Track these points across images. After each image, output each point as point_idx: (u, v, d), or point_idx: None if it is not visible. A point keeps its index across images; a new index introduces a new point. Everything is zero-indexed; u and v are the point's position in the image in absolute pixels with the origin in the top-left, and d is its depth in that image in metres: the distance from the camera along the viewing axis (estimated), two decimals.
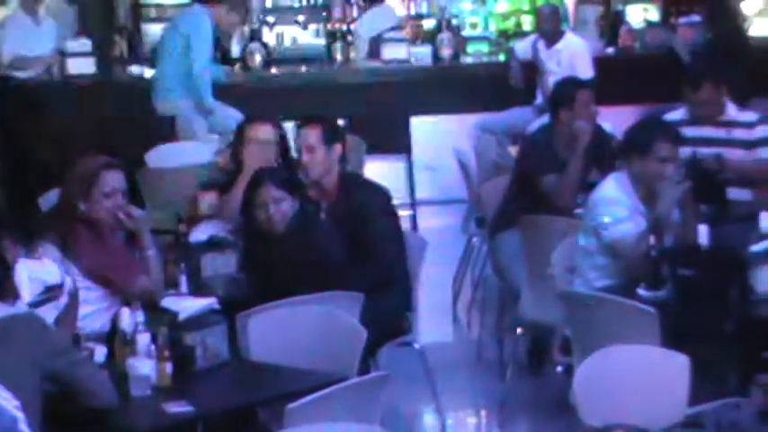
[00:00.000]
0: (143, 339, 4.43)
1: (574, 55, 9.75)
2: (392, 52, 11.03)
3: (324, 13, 12.15)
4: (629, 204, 5.60)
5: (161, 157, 8.48)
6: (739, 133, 6.82)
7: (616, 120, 7.56)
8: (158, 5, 12.23)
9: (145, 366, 4.36)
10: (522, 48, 10.24)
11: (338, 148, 5.93)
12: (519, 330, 6.55)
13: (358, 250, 5.64)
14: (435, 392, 6.05)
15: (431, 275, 7.07)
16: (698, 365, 4.31)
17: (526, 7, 12.26)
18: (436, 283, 8.01)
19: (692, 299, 5.06)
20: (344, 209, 5.80)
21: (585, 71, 9.54)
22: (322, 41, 11.89)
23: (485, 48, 11.73)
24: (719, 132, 6.80)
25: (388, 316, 5.71)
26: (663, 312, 4.84)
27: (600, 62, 10.34)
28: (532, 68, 10.07)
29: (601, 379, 4.24)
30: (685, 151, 6.19)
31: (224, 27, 9.69)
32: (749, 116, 6.96)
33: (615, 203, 5.60)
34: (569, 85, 7.19)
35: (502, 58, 11.43)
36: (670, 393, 4.28)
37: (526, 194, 6.80)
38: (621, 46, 11.31)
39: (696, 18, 11.12)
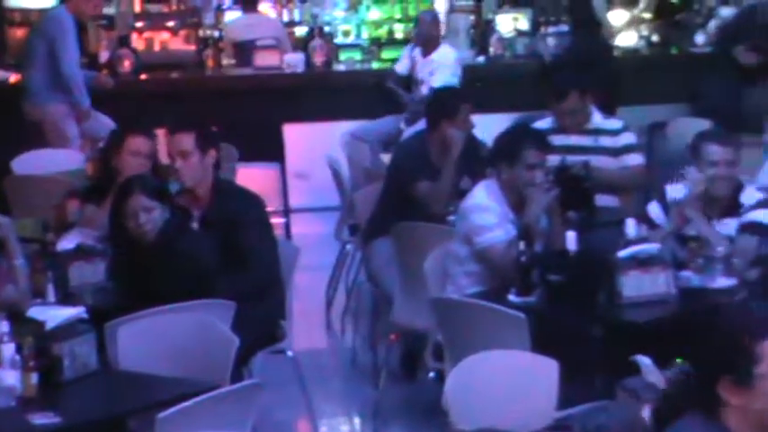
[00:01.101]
0: (7, 349, 4.34)
1: (442, 65, 9.85)
2: (264, 59, 10.99)
3: (195, 19, 12.04)
4: (499, 212, 5.66)
5: (28, 163, 8.33)
6: (605, 141, 6.95)
7: (487, 127, 7.64)
8: (22, 10, 11.99)
9: (9, 377, 4.28)
10: (401, 65, 10.28)
11: (212, 154, 5.88)
12: (392, 337, 6.58)
13: (231, 258, 5.60)
14: (309, 399, 6.04)
15: (304, 283, 7.09)
16: (567, 369, 4.37)
17: (398, 15, 12.31)
18: (310, 291, 8.02)
19: (560, 304, 5.13)
20: (218, 216, 5.76)
21: (439, 82, 9.65)
22: (193, 48, 11.80)
23: (357, 55, 11.76)
24: (586, 140, 6.93)
25: (261, 324, 5.69)
26: (532, 317, 4.90)
27: (470, 70, 10.45)
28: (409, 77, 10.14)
29: (472, 384, 4.27)
30: (554, 159, 6.29)
31: (84, 18, 9.58)
32: (614, 124, 7.10)
33: (485, 211, 5.65)
34: (453, 97, 7.20)
35: (375, 65, 11.48)
36: (539, 397, 4.33)
37: (399, 201, 6.83)
38: (492, 54, 11.44)
39: (564, 28, 11.32)
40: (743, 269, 5.27)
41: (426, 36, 10.08)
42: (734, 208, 5.60)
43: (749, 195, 5.64)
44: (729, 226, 5.55)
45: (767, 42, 9.85)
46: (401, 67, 10.22)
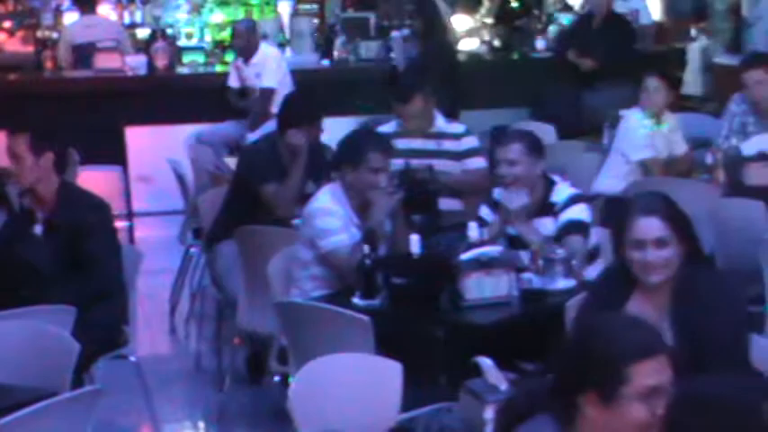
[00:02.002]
0: None
1: (265, 64, 9.90)
2: (105, 61, 10.85)
3: (33, 20, 11.82)
4: (343, 215, 5.68)
5: None
6: (448, 145, 7.02)
7: (332, 131, 7.66)
8: None
9: None
10: (231, 78, 10.26)
11: (49, 156, 5.77)
12: (237, 341, 6.55)
13: (74, 263, 5.52)
14: (152, 405, 5.98)
15: (148, 287, 7.02)
16: (411, 372, 4.40)
17: (241, 17, 12.27)
18: (154, 295, 7.95)
19: (404, 306, 5.17)
20: (62, 220, 5.66)
21: (268, 81, 9.68)
22: (31, 49, 11.57)
23: (200, 58, 11.69)
24: (430, 144, 6.99)
25: (104, 329, 5.61)
26: (376, 320, 4.93)
27: (315, 74, 10.48)
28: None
29: (316, 387, 4.28)
30: (398, 163, 6.34)
31: None
32: (457, 128, 7.18)
33: (329, 214, 5.66)
34: (308, 105, 7.18)
35: (218, 68, 11.42)
36: (383, 400, 4.36)
37: (244, 204, 6.80)
38: (336, 58, 11.48)
39: (407, 32, 11.41)
40: (579, 269, 5.39)
41: (244, 46, 10.12)
42: (548, 207, 5.69)
43: (561, 192, 5.74)
44: (546, 225, 5.65)
45: (602, 48, 10.07)
46: (232, 81, 10.22)
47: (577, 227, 5.58)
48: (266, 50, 10.18)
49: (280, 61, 10.13)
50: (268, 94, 9.81)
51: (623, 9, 11.28)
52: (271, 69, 9.91)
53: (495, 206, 5.81)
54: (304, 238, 5.76)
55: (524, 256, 5.45)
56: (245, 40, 10.13)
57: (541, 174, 5.73)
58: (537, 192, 5.69)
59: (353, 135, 6.09)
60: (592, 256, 5.58)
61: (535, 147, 5.72)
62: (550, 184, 5.75)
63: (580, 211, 5.64)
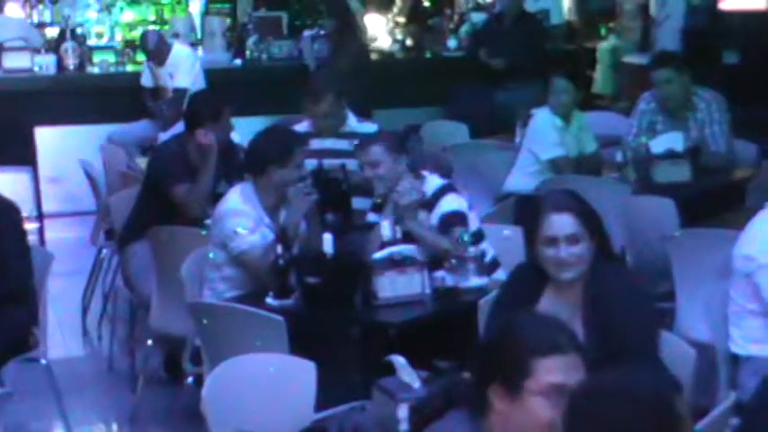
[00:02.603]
0: None
1: (178, 65, 9.86)
2: (13, 61, 10.71)
3: None
4: (255, 215, 5.66)
5: None
6: None
7: (244, 131, 7.63)
8: None
9: None
10: (145, 78, 10.20)
11: None
12: (150, 342, 6.51)
13: None
14: (62, 408, 5.91)
15: (59, 289, 6.94)
16: (325, 371, 4.41)
17: (153, 17, 12.19)
18: (65, 297, 7.87)
19: (318, 306, 5.17)
20: None
21: (181, 81, 9.64)
22: None
23: (111, 58, 11.58)
24: (342, 144, 6.99)
25: (13, 332, 5.54)
26: (290, 320, 4.92)
27: (227, 74, 10.44)
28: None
29: (229, 388, 4.26)
30: (310, 163, 6.34)
31: None
32: (369, 127, 7.17)
33: (240, 215, 5.64)
34: (213, 101, 7.13)
35: (129, 68, 11.33)
36: (297, 399, 4.35)
37: (156, 205, 6.74)
38: (248, 57, 11.45)
39: (321, 31, 11.42)
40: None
41: (155, 53, 10.07)
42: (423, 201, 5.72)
43: (430, 184, 5.76)
44: (424, 218, 5.68)
45: (513, 47, 10.15)
46: (145, 80, 10.16)
47: (455, 218, 5.61)
48: (179, 50, 10.14)
49: (193, 61, 10.10)
50: (181, 93, 9.76)
51: (534, 8, 11.37)
52: (184, 69, 9.87)
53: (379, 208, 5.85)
54: (215, 239, 5.73)
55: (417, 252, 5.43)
56: (155, 49, 10.08)
57: (409, 170, 5.76)
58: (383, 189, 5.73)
59: (277, 133, 6.04)
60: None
61: (394, 146, 5.78)
62: (421, 179, 5.79)
63: (452, 201, 5.66)
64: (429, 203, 5.66)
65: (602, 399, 2.59)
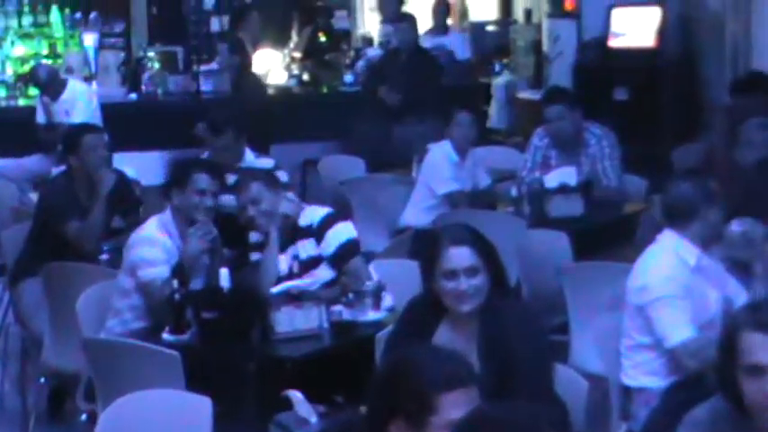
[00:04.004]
0: None
1: (73, 102, 9.75)
2: None
3: None
4: (169, 247, 5.63)
5: None
6: None
7: (140, 165, 7.60)
8: None
9: None
10: (39, 115, 10.06)
11: None
12: (42, 380, 6.42)
13: None
14: None
15: None
16: (222, 406, 4.38)
17: (45, 51, 12.05)
18: None
19: (215, 341, 5.14)
20: None
21: (78, 117, 9.54)
22: None
23: (2, 92, 11.42)
24: None
25: None
26: (186, 355, 4.89)
27: (122, 108, 10.35)
28: None
29: (124, 425, 4.22)
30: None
31: None
32: (266, 162, 7.20)
33: (152, 244, 5.61)
34: (74, 131, 7.11)
35: (22, 102, 11.18)
36: None
37: (48, 241, 6.67)
38: (144, 92, 11.38)
39: (215, 66, 11.40)
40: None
41: (48, 86, 9.95)
42: (301, 231, 5.71)
43: (309, 214, 5.78)
44: (306, 247, 5.67)
45: (409, 82, 10.22)
46: (39, 117, 10.02)
47: (351, 246, 5.64)
48: (75, 86, 10.00)
49: (90, 97, 9.95)
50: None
51: (429, 45, 11.47)
52: (80, 107, 9.72)
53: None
54: (125, 266, 5.68)
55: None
56: (47, 82, 9.94)
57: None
58: (286, 220, 5.74)
59: (178, 160, 6.06)
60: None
61: (273, 182, 5.79)
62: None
63: (344, 230, 5.68)
64: (316, 233, 5.67)
65: (482, 429, 2.61)
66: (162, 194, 5.89)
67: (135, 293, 5.64)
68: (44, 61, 11.42)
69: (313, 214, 5.75)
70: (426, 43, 11.34)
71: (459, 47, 12.14)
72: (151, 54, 11.84)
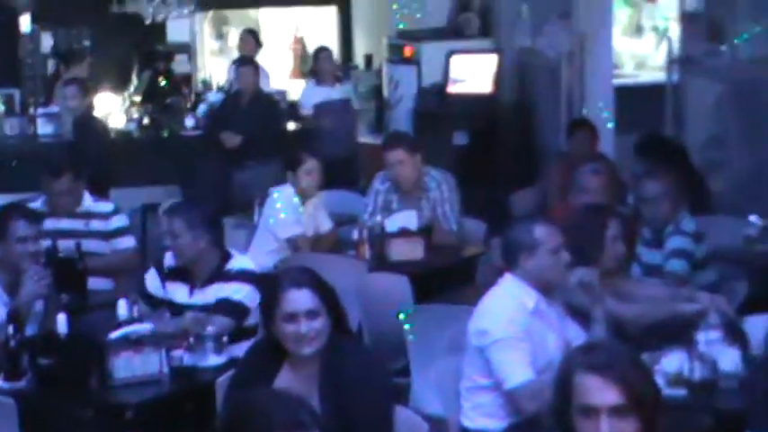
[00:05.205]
0: None
1: None
2: None
3: None
4: None
5: None
6: (97, 224, 6.95)
7: None
8: None
9: None
10: None
11: None
12: None
13: None
14: None
15: None
16: None
17: None
18: None
19: (51, 388, 5.05)
20: None
21: None
22: None
23: None
24: (77, 223, 6.90)
25: None
26: (22, 403, 4.79)
27: None
28: None
29: None
30: (45, 243, 6.23)
31: None
32: (106, 207, 7.12)
33: None
34: None
35: None
36: None
37: None
38: None
39: (54, 109, 11.24)
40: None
41: None
42: (224, 274, 5.73)
43: (239, 262, 5.79)
44: (213, 291, 5.69)
45: (250, 126, 10.21)
46: None
47: (231, 307, 5.63)
48: None
49: None
50: None
51: (268, 89, 11.50)
52: None
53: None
54: None
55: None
56: None
57: (213, 245, 5.76)
58: (210, 262, 5.72)
59: None
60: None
61: (195, 221, 5.74)
62: (226, 255, 5.79)
63: (238, 290, 5.68)
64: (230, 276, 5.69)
65: None
66: None
67: None
68: None
69: (240, 262, 5.77)
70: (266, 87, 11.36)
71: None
72: None
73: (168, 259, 5.84)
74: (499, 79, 11.08)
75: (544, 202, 8.28)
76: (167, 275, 5.82)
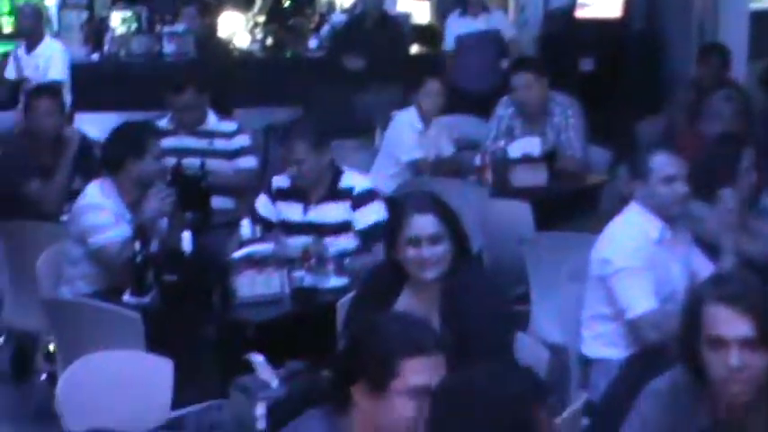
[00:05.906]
0: None
1: (50, 58, 9.62)
2: None
3: None
4: (115, 210, 5.59)
5: None
6: (220, 143, 7.00)
7: (102, 126, 7.52)
8: None
9: None
10: (9, 70, 9.90)
11: None
12: (1, 339, 6.38)
13: None
14: None
15: None
16: (182, 369, 4.37)
17: (6, 8, 11.93)
18: None
19: (175, 304, 5.13)
20: None
21: (57, 74, 9.43)
22: None
23: None
24: (201, 142, 6.96)
25: None
26: (147, 318, 4.88)
27: (85, 68, 10.26)
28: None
29: (84, 385, 4.20)
30: (170, 161, 6.30)
31: None
32: (229, 126, 7.16)
33: (100, 210, 5.57)
34: (33, 94, 7.05)
35: None
36: (154, 397, 4.31)
37: (7, 200, 6.61)
38: (107, 52, 11.29)
39: (180, 28, 11.32)
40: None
41: (27, 28, 9.80)
42: (338, 192, 5.69)
43: (349, 179, 5.73)
44: (338, 210, 5.65)
45: (374, 49, 10.18)
46: (9, 72, 9.88)
47: (380, 229, 5.61)
48: (52, 44, 9.84)
49: (65, 55, 9.82)
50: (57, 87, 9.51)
51: (395, 11, 11.44)
52: (57, 65, 9.58)
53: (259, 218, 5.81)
54: (73, 234, 5.64)
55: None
56: (30, 23, 9.79)
57: (331, 163, 5.74)
58: (325, 180, 5.70)
59: (129, 127, 5.98)
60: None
61: (318, 142, 5.73)
62: (337, 172, 5.77)
63: (379, 209, 5.64)
64: (354, 200, 5.66)
65: (467, 398, 2.62)
66: (113, 163, 5.77)
67: (85, 261, 5.59)
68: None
69: (354, 179, 5.73)
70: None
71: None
72: (115, 14, 11.74)
73: (277, 181, 5.84)
74: (629, 3, 10.86)
75: (672, 129, 8.12)
76: (278, 196, 5.83)
